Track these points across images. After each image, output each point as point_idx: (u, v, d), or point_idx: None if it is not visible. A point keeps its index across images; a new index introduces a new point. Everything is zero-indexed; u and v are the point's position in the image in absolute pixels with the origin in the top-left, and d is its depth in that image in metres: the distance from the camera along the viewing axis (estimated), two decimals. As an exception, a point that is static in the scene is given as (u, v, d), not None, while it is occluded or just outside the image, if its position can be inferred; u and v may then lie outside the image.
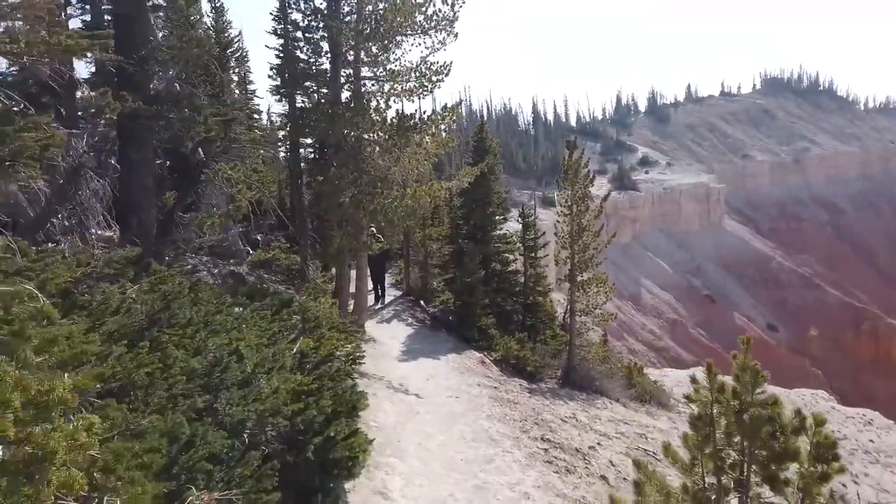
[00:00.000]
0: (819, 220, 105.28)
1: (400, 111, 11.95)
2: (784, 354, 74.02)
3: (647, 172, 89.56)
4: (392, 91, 11.53)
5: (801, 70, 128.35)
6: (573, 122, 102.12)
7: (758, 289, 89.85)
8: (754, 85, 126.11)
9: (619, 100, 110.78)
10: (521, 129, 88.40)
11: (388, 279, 21.31)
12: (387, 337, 14.77)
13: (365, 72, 12.47)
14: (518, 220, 18.53)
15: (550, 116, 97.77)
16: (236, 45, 19.09)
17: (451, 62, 11.65)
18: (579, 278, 16.64)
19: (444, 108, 12.39)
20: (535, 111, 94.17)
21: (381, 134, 11.72)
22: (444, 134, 14.39)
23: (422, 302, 18.92)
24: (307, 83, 12.40)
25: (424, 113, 11.87)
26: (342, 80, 12.25)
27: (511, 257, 18.27)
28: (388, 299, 19.08)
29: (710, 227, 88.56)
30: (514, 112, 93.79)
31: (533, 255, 18.14)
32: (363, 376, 10.20)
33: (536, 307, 18.17)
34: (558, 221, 16.98)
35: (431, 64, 11.75)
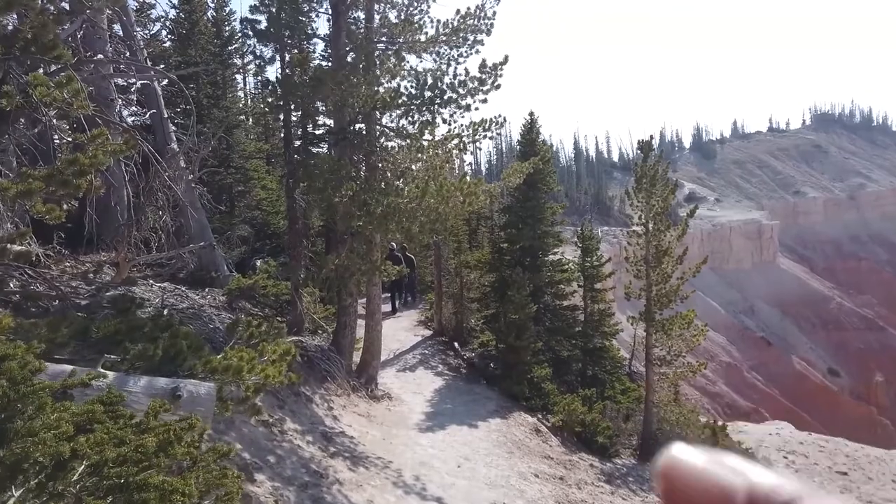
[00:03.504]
0: (878, 260, 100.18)
1: (422, 74, 8.50)
2: (848, 402, 68.87)
3: (697, 208, 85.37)
4: (409, 44, 8.13)
5: (853, 105, 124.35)
6: (615, 158, 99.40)
7: (816, 331, 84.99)
8: (804, 120, 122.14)
9: (662, 136, 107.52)
10: (562, 165, 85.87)
11: (416, 315, 17.83)
12: (408, 392, 11.10)
13: (379, 33, 9.15)
14: (576, 244, 14.83)
15: (592, 152, 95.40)
16: (239, 38, 16.26)
17: (496, 11, 8.22)
18: (658, 316, 12.83)
19: (483, 121, 9.01)
20: (576, 147, 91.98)
21: (396, 112, 8.29)
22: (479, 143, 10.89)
23: (456, 344, 15.15)
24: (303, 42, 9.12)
25: (456, 78, 8.35)
26: (345, 42, 8.93)
27: (568, 289, 14.51)
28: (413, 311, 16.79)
29: (763, 266, 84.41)
30: (555, 148, 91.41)
31: (596, 286, 14.33)
32: (361, 463, 6.53)
33: (600, 353, 14.33)
34: (629, 244, 13.27)
35: (471, 13, 8.36)
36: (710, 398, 62.64)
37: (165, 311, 6.75)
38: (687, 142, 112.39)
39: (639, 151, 13.43)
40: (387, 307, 18.50)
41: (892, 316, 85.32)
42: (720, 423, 16.94)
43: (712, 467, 0.28)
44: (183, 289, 9.50)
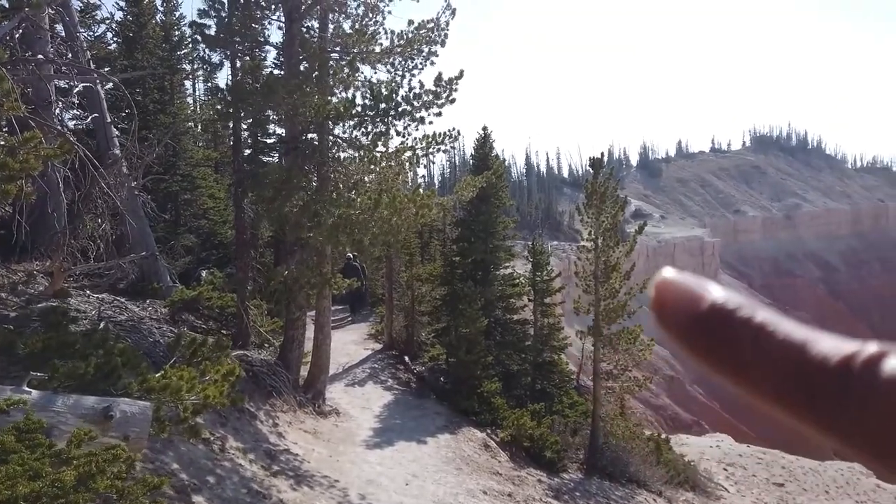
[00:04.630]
0: (812, 277, 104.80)
1: (376, 86, 8.43)
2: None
3: (645, 224, 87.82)
4: (364, 55, 8.06)
5: (790, 128, 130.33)
6: (566, 174, 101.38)
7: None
8: (744, 142, 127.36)
9: (611, 153, 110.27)
10: (514, 179, 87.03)
11: (365, 329, 17.68)
12: (357, 407, 10.90)
13: (333, 42, 9.05)
14: (527, 259, 14.94)
15: (543, 168, 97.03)
16: (188, 43, 15.85)
17: (454, 11, 8.24)
18: (606, 331, 13.02)
19: (437, 134, 9.00)
20: (528, 162, 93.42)
21: (349, 123, 8.18)
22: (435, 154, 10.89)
23: (406, 358, 15.00)
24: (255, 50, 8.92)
25: (411, 91, 8.31)
26: (299, 50, 8.79)
27: (518, 303, 14.59)
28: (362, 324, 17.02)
29: (714, 282, 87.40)
30: (508, 163, 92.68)
31: (546, 300, 14.45)
32: (306, 482, 6.34)
33: (549, 367, 14.44)
34: (579, 259, 13.46)
35: (425, 24, 8.35)
36: (654, 411, 63.98)
37: (102, 325, 6.43)
38: (634, 160, 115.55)
39: (589, 168, 13.65)
40: (340, 316, 18.35)
41: (825, 330, 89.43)
42: (664, 436, 17.28)
43: (691, 280, 0.36)
44: (122, 300, 9.11)
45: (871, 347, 0.31)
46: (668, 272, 0.38)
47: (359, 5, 9.00)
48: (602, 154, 13.61)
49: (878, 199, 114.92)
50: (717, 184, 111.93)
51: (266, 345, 10.53)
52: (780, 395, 0.33)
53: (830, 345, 0.32)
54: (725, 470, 17.09)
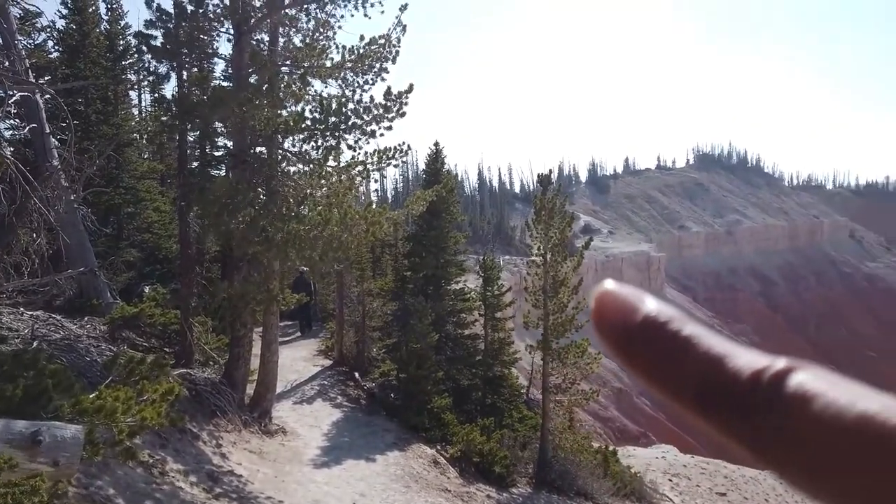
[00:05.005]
0: (752, 291, 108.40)
1: (327, 100, 8.40)
2: (727, 426, 73.32)
3: (592, 240, 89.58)
4: (314, 69, 8.03)
5: (731, 147, 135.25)
6: (517, 189, 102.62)
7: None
8: (688, 160, 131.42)
9: (561, 169, 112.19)
10: (467, 194, 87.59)
11: (315, 345, 17.45)
12: (305, 426, 10.70)
13: (282, 54, 8.98)
14: (478, 273, 15.04)
15: (496, 183, 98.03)
16: (134, 54, 15.45)
17: (405, 28, 8.30)
18: (554, 345, 13.19)
19: (387, 148, 9.02)
20: (480, 177, 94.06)
21: (299, 136, 8.12)
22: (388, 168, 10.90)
23: (356, 374, 14.82)
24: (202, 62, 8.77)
25: (361, 105, 8.32)
26: (248, 63, 8.70)
27: (469, 318, 14.65)
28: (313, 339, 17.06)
29: (651, 295, 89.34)
30: (460, 178, 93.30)
31: (497, 315, 14.56)
32: (250, 504, 6.19)
33: (500, 381, 14.51)
34: (528, 274, 13.64)
35: (376, 40, 8.38)
36: (602, 423, 64.89)
37: (35, 343, 6.16)
38: (583, 176, 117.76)
39: (539, 184, 13.90)
40: (291, 333, 18.07)
41: (765, 343, 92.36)
42: (611, 448, 17.56)
43: (628, 292, 0.38)
44: (58, 318, 8.74)
45: (780, 363, 0.33)
46: (608, 284, 0.40)
47: (309, 20, 8.98)
48: (551, 171, 13.90)
49: (812, 216, 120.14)
50: (662, 200, 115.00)
51: (211, 363, 10.26)
52: (698, 407, 0.34)
53: (746, 360, 0.34)
54: (670, 481, 17.47)
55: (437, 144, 15.02)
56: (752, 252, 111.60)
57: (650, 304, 0.37)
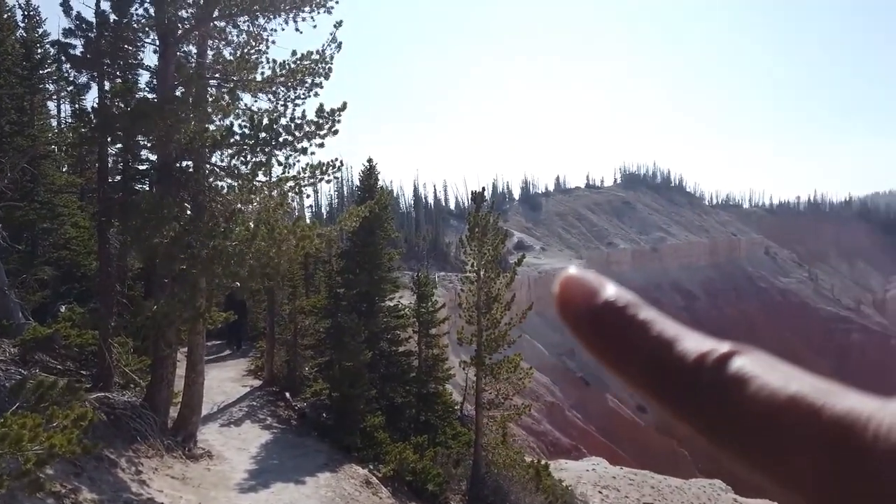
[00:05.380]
0: (676, 306, 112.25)
1: (257, 114, 8.26)
2: (653, 435, 75.17)
3: (524, 256, 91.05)
4: (245, 83, 7.89)
5: (655, 167, 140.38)
6: (452, 206, 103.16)
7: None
8: (615, 179, 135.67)
9: (495, 187, 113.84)
10: (402, 211, 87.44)
11: (245, 364, 16.99)
12: (232, 449, 10.35)
13: (212, 67, 8.78)
14: (412, 290, 15.03)
15: (431, 199, 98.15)
16: (52, 62, 14.73)
17: (340, 45, 8.28)
18: (488, 360, 13.32)
19: (320, 164, 8.95)
20: (416, 194, 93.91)
21: (227, 151, 7.94)
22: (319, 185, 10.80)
23: (287, 395, 14.47)
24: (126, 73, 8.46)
25: (293, 121, 8.22)
26: (174, 75, 8.45)
27: (403, 335, 14.59)
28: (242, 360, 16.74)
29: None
30: (396, 194, 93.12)
31: (431, 331, 14.58)
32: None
33: (433, 398, 14.50)
34: (462, 290, 13.74)
35: (309, 55, 8.32)
36: (535, 437, 65.60)
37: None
38: (516, 193, 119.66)
39: (472, 202, 14.08)
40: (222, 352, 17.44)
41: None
42: (543, 462, 17.80)
43: (591, 277, 0.40)
44: (-40, 340, 8.15)
45: (723, 347, 0.35)
46: (572, 269, 0.42)
47: (240, 33, 8.83)
48: (483, 188, 14.10)
49: (731, 233, 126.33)
50: (591, 218, 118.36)
51: (132, 385, 9.79)
52: (649, 386, 0.36)
53: (693, 343, 0.36)
54: (600, 493, 17.84)
55: (370, 161, 15.00)
56: (676, 268, 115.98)
57: (610, 289, 0.39)
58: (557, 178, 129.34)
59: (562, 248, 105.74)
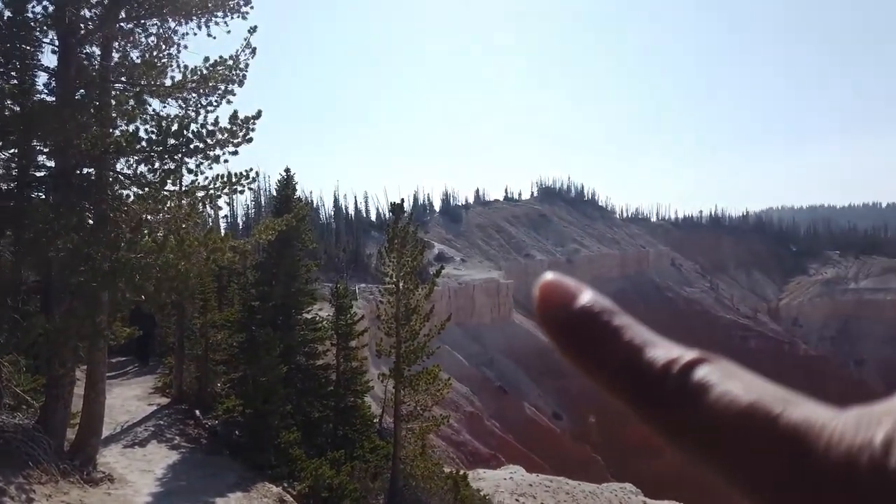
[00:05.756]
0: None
1: (166, 120, 7.93)
2: (568, 442, 77.16)
3: (443, 268, 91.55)
4: (153, 88, 7.57)
5: (570, 181, 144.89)
6: (373, 217, 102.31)
7: (543, 379, 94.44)
8: (532, 192, 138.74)
9: (416, 198, 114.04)
10: (322, 222, 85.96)
11: (152, 381, 16.21)
12: (136, 471, 9.80)
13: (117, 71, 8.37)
14: (331, 302, 14.81)
15: (352, 210, 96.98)
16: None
17: (255, 51, 8.09)
18: (407, 372, 13.29)
19: (233, 173, 8.71)
20: (336, 205, 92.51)
21: (133, 158, 7.58)
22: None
23: (197, 412, 13.88)
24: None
25: (204, 128, 7.96)
26: (75, 77, 8.00)
27: (321, 348, 14.33)
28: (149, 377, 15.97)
29: (500, 321, 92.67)
30: (315, 205, 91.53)
31: (350, 343, 14.40)
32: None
33: (352, 412, 14.29)
34: (381, 302, 13.68)
35: (223, 61, 8.08)
36: (455, 447, 65.85)
37: None
38: (437, 205, 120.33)
39: (391, 213, 14.07)
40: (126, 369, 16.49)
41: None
42: (462, 472, 17.90)
43: (568, 283, 0.40)
44: None
45: (689, 355, 0.36)
46: (549, 275, 0.41)
47: (148, 36, 8.47)
48: (403, 200, 14.15)
49: (640, 246, 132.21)
50: (510, 230, 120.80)
51: (24, 406, 9.10)
52: (619, 393, 0.37)
53: (662, 350, 0.36)
54: (517, 500, 18.13)
55: (288, 171, 14.70)
56: (590, 279, 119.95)
57: (587, 295, 0.39)
58: (477, 191, 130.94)
59: (481, 259, 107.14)
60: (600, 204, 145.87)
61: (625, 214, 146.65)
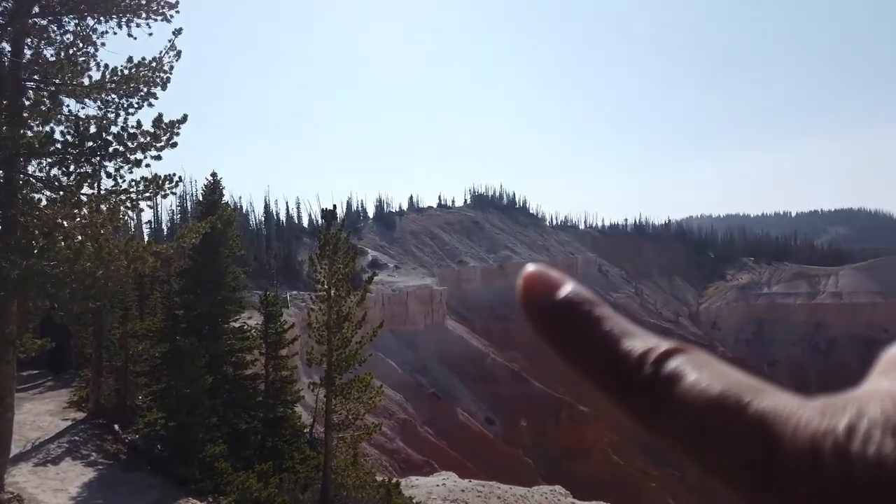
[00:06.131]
0: (521, 320, 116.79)
1: (84, 121, 7.57)
2: (500, 446, 78.02)
3: (375, 274, 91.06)
4: (69, 87, 7.23)
5: (503, 189, 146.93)
6: (305, 223, 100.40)
7: (476, 385, 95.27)
8: (465, 199, 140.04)
9: (349, 205, 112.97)
10: (252, 228, 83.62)
11: (67, 395, 15.39)
12: (48, 490, 9.27)
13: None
14: (259, 310, 14.47)
15: (283, 216, 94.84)
16: None
17: (179, 53, 7.85)
18: (338, 381, 13.15)
19: (156, 178, 8.41)
20: (267, 210, 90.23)
21: (46, 160, 7.20)
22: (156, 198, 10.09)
23: (116, 427, 13.25)
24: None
25: (125, 130, 7.66)
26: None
27: (249, 357, 13.97)
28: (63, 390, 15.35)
29: (434, 327, 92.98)
30: (245, 210, 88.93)
31: (280, 352, 14.10)
32: None
33: (281, 422, 13.99)
34: (313, 309, 13.48)
35: (146, 63, 7.80)
36: (388, 455, 65.38)
37: None
38: (371, 212, 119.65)
39: (323, 219, 13.92)
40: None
41: (533, 369, 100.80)
42: (395, 480, 17.82)
43: (552, 274, 0.41)
44: None
45: (664, 345, 0.37)
46: (532, 266, 0.42)
47: (65, 33, 8.08)
48: (335, 205, 14.00)
49: (569, 253, 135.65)
50: (443, 237, 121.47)
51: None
52: (597, 382, 0.37)
53: (639, 341, 0.37)
54: (449, 507, 18.20)
55: (214, 175, 14.30)
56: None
57: (569, 286, 0.40)
58: (411, 198, 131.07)
59: (415, 266, 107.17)
60: (531, 211, 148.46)
61: (555, 222, 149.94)
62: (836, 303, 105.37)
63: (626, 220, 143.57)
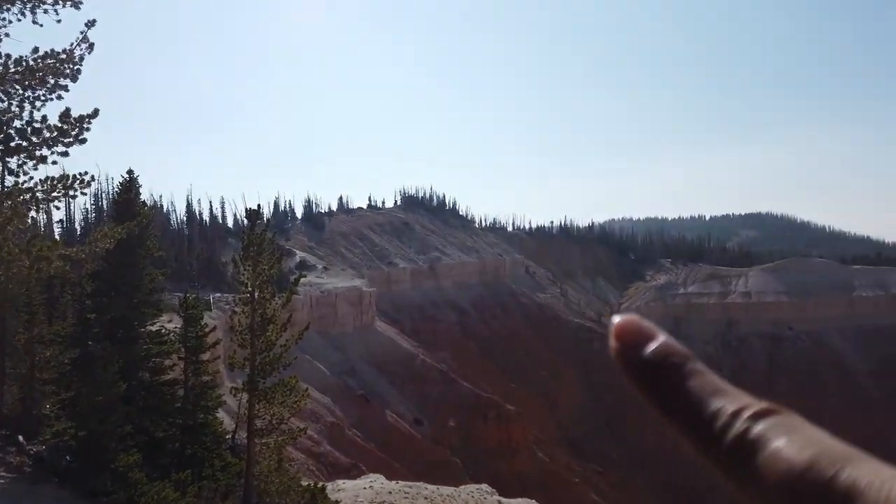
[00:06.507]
0: (450, 321, 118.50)
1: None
2: (428, 447, 78.27)
3: (302, 276, 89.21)
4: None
5: (433, 191, 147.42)
6: (230, 224, 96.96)
7: (405, 385, 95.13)
8: (396, 201, 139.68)
9: (277, 205, 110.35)
10: (173, 228, 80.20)
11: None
12: (-61, 508, 8.60)
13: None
14: (179, 313, 13.95)
15: (207, 216, 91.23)
16: None
17: (92, 46, 7.48)
18: (262, 385, 12.89)
19: (65, 176, 7.99)
20: (189, 210, 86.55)
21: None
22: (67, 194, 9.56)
23: (21, 438, 12.44)
24: None
25: (30, 125, 7.24)
26: None
27: (168, 362, 13.46)
28: None
29: (363, 329, 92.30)
30: (166, 210, 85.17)
31: (202, 357, 13.65)
32: None
33: (201, 429, 13.56)
34: (236, 312, 13.16)
35: (54, 54, 7.40)
36: (315, 459, 64.24)
37: None
38: (300, 212, 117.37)
39: (247, 219, 13.61)
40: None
41: (462, 369, 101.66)
42: (321, 484, 17.59)
43: (646, 324, 0.42)
44: None
45: (755, 405, 0.37)
46: (623, 316, 0.43)
47: (-40, 19, 7.55)
48: (259, 206, 13.76)
49: (497, 254, 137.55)
50: (373, 238, 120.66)
51: None
52: (689, 438, 0.38)
53: (730, 400, 0.38)
54: (376, 509, 18.13)
55: (131, 172, 13.69)
56: (451, 286, 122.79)
57: (661, 338, 0.41)
58: (341, 199, 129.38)
59: (344, 267, 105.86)
60: (461, 213, 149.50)
61: (483, 224, 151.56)
62: (745, 302, 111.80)
63: (552, 222, 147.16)
